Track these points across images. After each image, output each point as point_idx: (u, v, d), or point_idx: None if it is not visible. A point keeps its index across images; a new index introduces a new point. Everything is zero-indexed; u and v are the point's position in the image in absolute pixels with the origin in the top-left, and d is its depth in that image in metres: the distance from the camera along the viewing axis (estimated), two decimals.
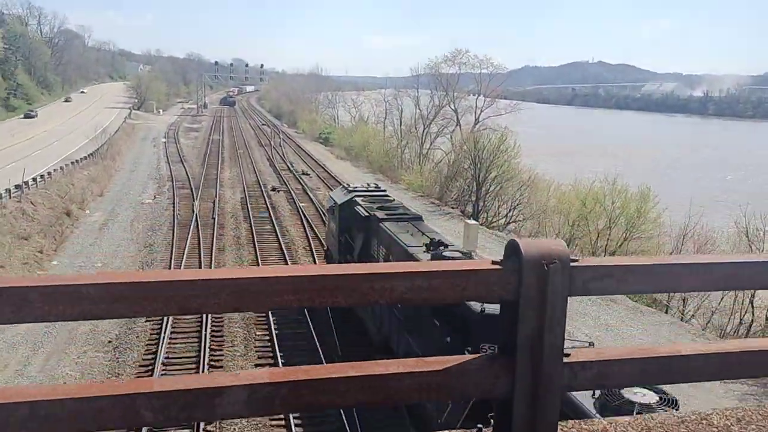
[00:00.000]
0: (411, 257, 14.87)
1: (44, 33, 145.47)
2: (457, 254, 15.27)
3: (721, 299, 29.53)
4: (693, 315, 29.51)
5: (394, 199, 23.04)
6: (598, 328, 23.99)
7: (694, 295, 30.69)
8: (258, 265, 27.94)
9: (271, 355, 19.12)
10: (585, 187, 41.65)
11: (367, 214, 19.29)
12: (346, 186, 25.08)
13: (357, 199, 21.29)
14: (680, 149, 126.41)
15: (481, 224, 43.02)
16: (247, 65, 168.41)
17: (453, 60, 76.05)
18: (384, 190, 25.12)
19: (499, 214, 49.71)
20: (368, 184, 25.97)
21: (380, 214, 18.72)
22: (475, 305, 11.24)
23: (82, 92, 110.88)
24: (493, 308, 10.36)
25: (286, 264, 28.01)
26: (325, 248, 26.63)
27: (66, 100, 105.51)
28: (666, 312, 28.73)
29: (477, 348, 8.06)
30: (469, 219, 38.49)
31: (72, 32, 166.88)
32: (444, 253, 14.91)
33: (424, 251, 15.27)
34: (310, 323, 21.12)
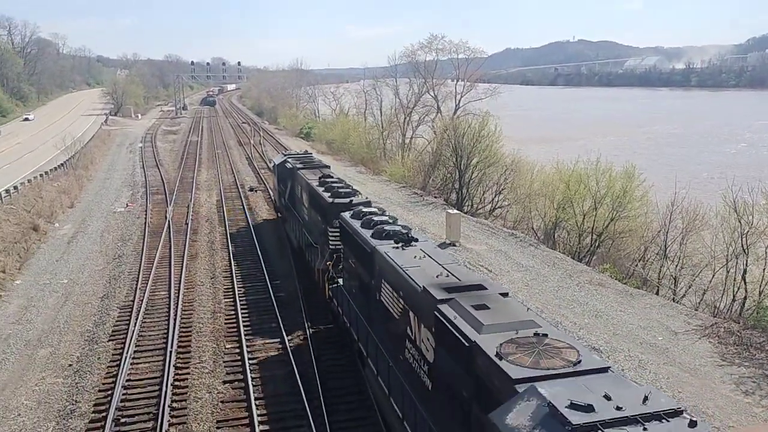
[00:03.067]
0: (319, 196, 23.53)
1: (15, 43, 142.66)
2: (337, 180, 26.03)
3: (713, 276, 28.65)
4: (684, 294, 28.60)
5: (315, 159, 33.47)
6: (587, 315, 23.03)
7: (685, 274, 29.84)
8: (231, 269, 26.78)
9: (240, 370, 17.97)
10: (568, 168, 40.60)
11: (291, 166, 30.12)
12: (283, 153, 40.23)
13: (288, 159, 32.77)
14: (672, 124, 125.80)
15: (466, 212, 41.98)
16: (224, 64, 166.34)
17: (429, 46, 74.97)
18: (310, 154, 36.32)
19: (483, 200, 48.71)
20: (305, 152, 40.20)
21: (299, 165, 29.64)
22: (328, 199, 22.38)
23: (27, 119, 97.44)
24: (339, 200, 21.80)
25: (262, 270, 26.89)
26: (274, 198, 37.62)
27: (25, 119, 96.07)
28: (657, 293, 27.80)
29: (330, 222, 20.37)
30: (452, 208, 37.42)
31: (45, 41, 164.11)
32: (326, 179, 25.78)
33: (317, 184, 25.18)
34: (280, 319, 20.14)
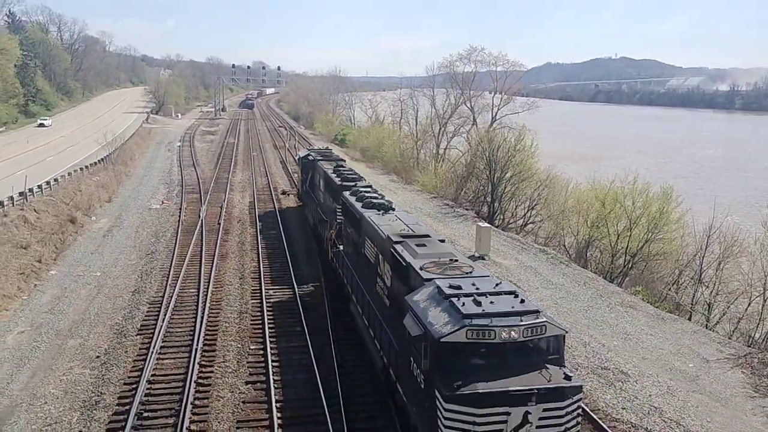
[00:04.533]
0: (332, 181, 27.71)
1: (64, 40, 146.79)
2: (348, 170, 31.28)
3: (749, 304, 27.87)
4: (718, 322, 27.86)
5: (333, 154, 39.27)
6: (616, 337, 22.58)
7: (719, 301, 29.09)
8: (260, 271, 26.98)
9: (264, 371, 18.04)
10: (604, 186, 40.02)
11: (312, 158, 36.01)
12: (308, 148, 48.47)
13: (310, 153, 38.91)
14: (715, 147, 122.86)
15: (497, 226, 41.65)
16: (264, 67, 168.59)
17: (468, 58, 74.77)
18: (330, 150, 43.71)
19: (516, 215, 48.26)
20: (326, 148, 48.94)
21: (319, 158, 35.40)
22: (338, 182, 26.93)
23: (42, 125, 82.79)
24: (346, 183, 26.16)
25: (289, 272, 27.03)
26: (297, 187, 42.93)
27: (40, 125, 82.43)
28: (689, 319, 27.15)
29: (338, 201, 24.93)
30: (482, 221, 37.17)
31: (93, 38, 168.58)
32: (339, 168, 31.13)
33: (331, 171, 29.91)
34: (303, 316, 20.20)
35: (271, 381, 17.16)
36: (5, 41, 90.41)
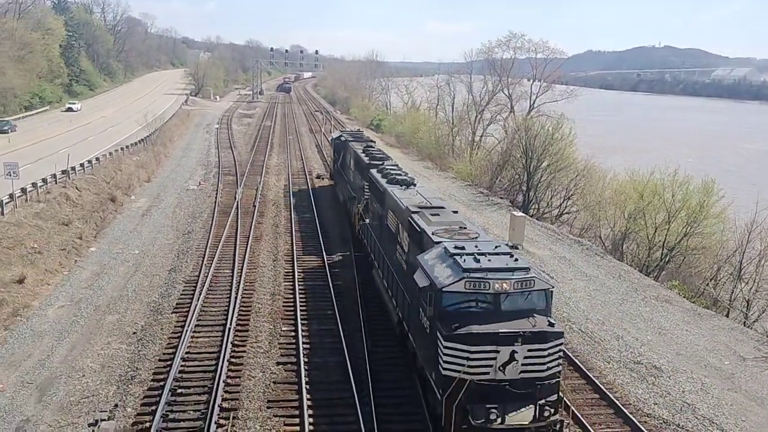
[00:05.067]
0: (361, 160, 29.16)
1: (108, 21, 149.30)
2: (377, 150, 32.56)
3: None
4: (757, 319, 27.20)
5: (363, 136, 42.07)
6: (650, 332, 22.23)
7: (759, 298, 28.40)
8: (293, 254, 27.28)
9: (294, 353, 18.28)
10: (643, 178, 39.25)
11: (344, 140, 37.82)
12: (340, 130, 52.72)
13: (342, 134, 41.41)
14: (762, 140, 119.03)
15: (531, 216, 41.24)
16: (302, 51, 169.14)
17: (507, 44, 73.75)
18: (361, 132, 47.77)
19: (551, 204, 47.72)
20: (358, 129, 54.19)
21: (350, 139, 37.31)
22: (366, 160, 28.16)
23: (70, 109, 76.08)
24: (374, 162, 27.39)
25: (323, 257, 27.25)
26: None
27: (68, 109, 75.54)
28: (727, 315, 26.58)
29: (366, 179, 26.47)
30: (517, 210, 36.84)
31: (135, 20, 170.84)
32: (368, 149, 32.10)
33: (361, 151, 30.99)
34: (335, 305, 20.37)
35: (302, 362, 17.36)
36: (51, 21, 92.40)
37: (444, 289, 13.24)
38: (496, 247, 14.79)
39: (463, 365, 12.66)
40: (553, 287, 14.10)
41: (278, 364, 17.72)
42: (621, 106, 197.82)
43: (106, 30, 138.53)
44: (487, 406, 12.49)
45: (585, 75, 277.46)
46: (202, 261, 25.97)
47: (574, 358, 18.89)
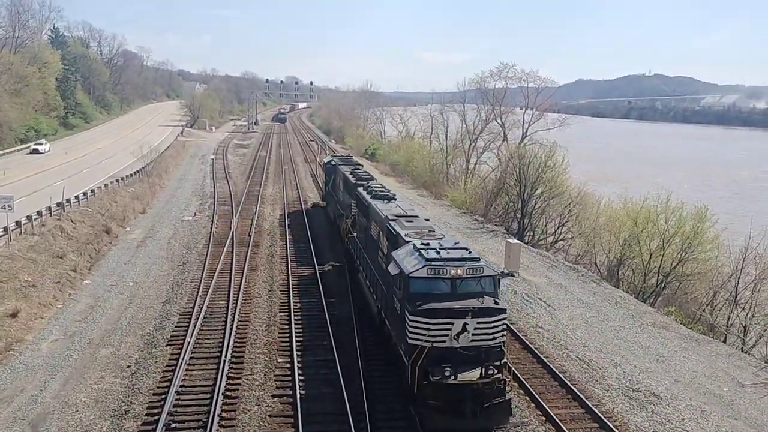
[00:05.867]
0: (349, 181, 32.30)
1: (104, 54, 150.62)
2: (364, 172, 35.39)
3: None
4: (755, 345, 27.12)
5: (352, 160, 44.84)
6: (648, 359, 22.13)
7: (756, 324, 28.35)
8: (289, 282, 27.20)
9: (290, 384, 18.11)
10: (637, 204, 39.43)
11: (335, 163, 41.13)
12: (331, 155, 57.00)
13: (333, 158, 45.35)
14: (755, 167, 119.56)
15: (527, 243, 41.28)
16: (296, 82, 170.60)
17: (499, 74, 74.58)
18: (350, 157, 50.39)
19: (546, 231, 47.79)
20: (348, 155, 55.63)
21: (340, 163, 40.46)
22: (354, 181, 31.38)
23: (36, 151, 68.19)
24: (360, 182, 30.56)
25: (317, 280, 27.19)
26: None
27: (33, 151, 67.83)
28: (724, 341, 26.49)
29: (353, 197, 29.77)
30: (512, 237, 36.89)
31: (131, 53, 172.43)
32: (356, 171, 35.47)
33: (349, 173, 34.13)
34: (330, 330, 20.23)
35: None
36: (48, 55, 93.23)
37: (410, 275, 16.16)
38: (455, 243, 18.06)
39: (424, 335, 15.47)
40: (499, 275, 17.05)
41: (273, 396, 17.54)
42: (614, 133, 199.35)
43: (102, 63, 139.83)
44: (443, 366, 15.24)
45: (577, 103, 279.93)
46: (197, 292, 25.85)
47: (572, 386, 18.75)
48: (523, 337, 22.72)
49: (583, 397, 18.07)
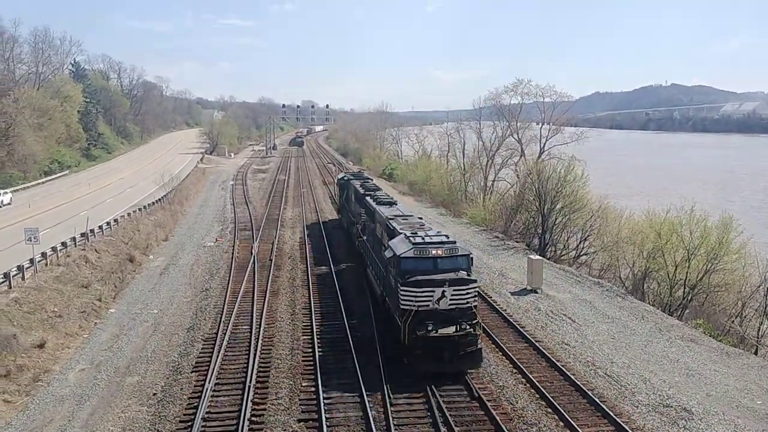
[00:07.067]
0: (359, 192, 36.84)
1: (124, 86, 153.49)
2: (373, 185, 41.24)
3: None
4: None
5: (363, 175, 51.79)
6: (677, 373, 21.72)
7: None
8: (311, 308, 27.22)
9: (316, 412, 18.03)
10: (659, 216, 38.96)
11: (347, 179, 45.26)
12: (344, 171, 68.14)
13: (346, 175, 49.99)
14: None
15: (549, 258, 40.93)
16: (313, 106, 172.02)
17: (514, 90, 74.65)
18: (362, 172, 60.22)
19: (568, 246, 47.38)
20: (360, 171, 68.91)
21: (352, 178, 44.92)
22: (362, 191, 36.35)
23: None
24: (368, 193, 35.48)
25: (341, 310, 27.16)
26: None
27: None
28: (755, 353, 25.92)
29: (362, 204, 34.93)
30: (534, 253, 36.60)
31: (150, 84, 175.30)
32: (365, 183, 41.02)
33: (359, 186, 38.93)
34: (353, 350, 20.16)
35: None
36: (70, 89, 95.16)
37: (401, 256, 20.76)
38: (437, 232, 22.77)
39: (413, 301, 19.89)
40: (470, 253, 21.71)
41: (299, 421, 17.48)
42: (633, 144, 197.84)
43: (122, 94, 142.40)
44: (427, 322, 19.69)
45: (594, 116, 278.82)
46: (221, 318, 25.96)
47: (601, 403, 18.41)
48: (549, 355, 22.44)
49: (612, 415, 17.74)
